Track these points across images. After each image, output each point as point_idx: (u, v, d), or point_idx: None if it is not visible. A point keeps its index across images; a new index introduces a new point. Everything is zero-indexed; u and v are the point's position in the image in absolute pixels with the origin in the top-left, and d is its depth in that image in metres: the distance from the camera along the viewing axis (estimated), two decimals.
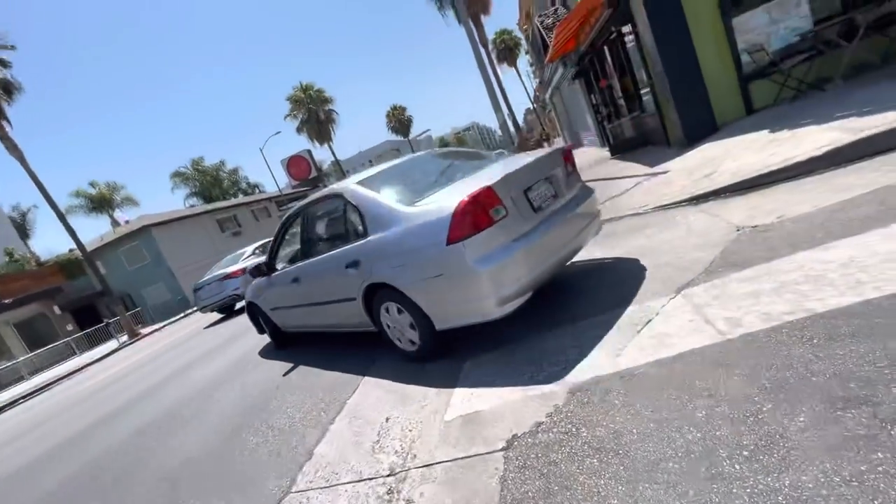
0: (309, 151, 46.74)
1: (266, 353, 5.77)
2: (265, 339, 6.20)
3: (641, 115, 9.16)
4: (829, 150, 3.98)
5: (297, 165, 47.58)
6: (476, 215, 2.74)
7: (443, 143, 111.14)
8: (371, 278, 3.25)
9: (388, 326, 3.46)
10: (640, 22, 7.11)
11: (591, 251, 4.33)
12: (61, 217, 20.37)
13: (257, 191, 55.13)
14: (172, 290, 28.23)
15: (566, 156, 3.65)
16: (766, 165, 4.40)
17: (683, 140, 7.07)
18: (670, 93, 6.93)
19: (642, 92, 8.83)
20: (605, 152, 12.46)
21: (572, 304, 3.30)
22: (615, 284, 3.34)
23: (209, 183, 49.23)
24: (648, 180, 6.25)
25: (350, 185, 3.59)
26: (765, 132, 5.57)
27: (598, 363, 2.41)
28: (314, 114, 44.16)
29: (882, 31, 6.14)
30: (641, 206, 5.23)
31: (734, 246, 3.16)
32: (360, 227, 3.37)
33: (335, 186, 3.78)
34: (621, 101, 10.38)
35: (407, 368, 3.39)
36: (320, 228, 4.16)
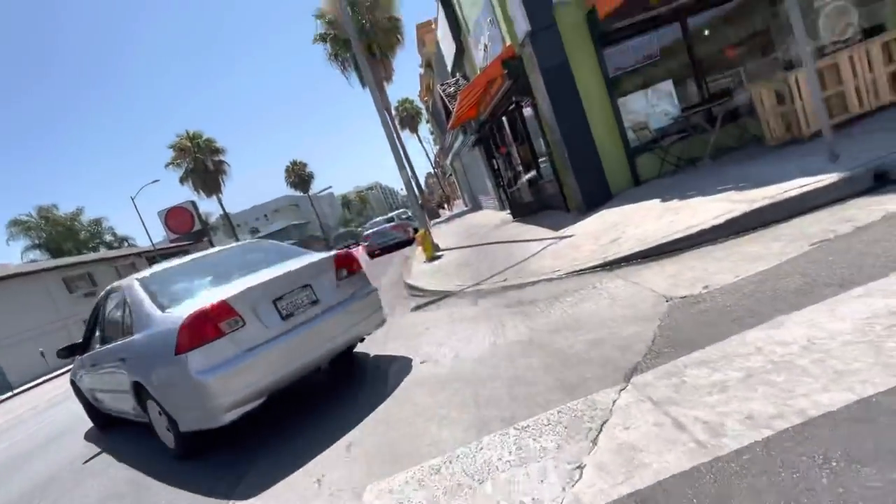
0: (193, 203, 42.30)
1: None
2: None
3: (540, 182, 9.47)
4: (727, 219, 4.07)
5: (178, 218, 42.59)
6: (203, 328, 2.93)
7: (345, 200, 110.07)
8: (132, 376, 3.43)
9: (154, 422, 3.58)
10: (539, 94, 7.40)
11: (512, 322, 3.81)
12: None
13: (126, 244, 47.95)
14: None
15: (339, 261, 3.85)
16: (670, 232, 4.41)
17: (582, 206, 7.24)
18: (569, 161, 7.15)
19: (540, 160, 9.16)
20: (506, 215, 12.75)
21: (499, 398, 2.64)
22: (550, 367, 2.77)
23: (60, 235, 41.57)
24: (555, 243, 6.14)
25: (132, 281, 3.74)
26: (657, 201, 5.82)
27: (546, 497, 1.72)
28: (201, 163, 40.63)
29: (734, 121, 7.07)
30: (554, 270, 4.95)
31: (670, 320, 2.83)
32: (129, 325, 3.53)
33: (123, 281, 3.97)
34: (520, 168, 10.76)
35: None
36: (110, 318, 4.14)
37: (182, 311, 3.04)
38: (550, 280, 4.75)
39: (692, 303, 2.96)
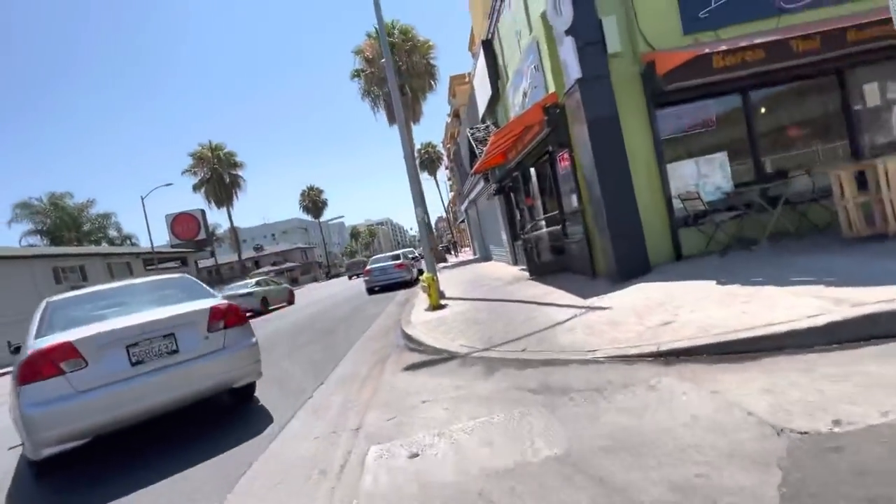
0: (202, 212, 42.16)
1: None
2: None
3: (565, 240, 8.66)
4: (829, 322, 3.15)
5: (185, 224, 42.25)
6: (41, 365, 3.15)
7: (354, 231, 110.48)
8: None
9: None
10: (581, 146, 6.74)
11: (542, 420, 2.82)
12: None
13: (128, 243, 47.35)
14: None
15: (214, 315, 3.88)
16: (744, 326, 3.48)
17: (615, 274, 6.37)
18: (606, 222, 6.36)
19: (568, 216, 8.41)
20: (520, 271, 11.89)
21: None
22: None
23: (64, 224, 41.11)
24: (585, 314, 5.20)
25: (46, 300, 4.13)
26: (711, 283, 4.94)
27: None
28: (218, 175, 40.76)
29: (793, 206, 6.31)
30: (589, 349, 3.99)
31: (797, 472, 1.85)
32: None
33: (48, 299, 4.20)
34: (542, 223, 10.01)
35: None
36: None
37: (44, 343, 3.27)
38: (586, 362, 3.78)
39: (825, 447, 1.99)
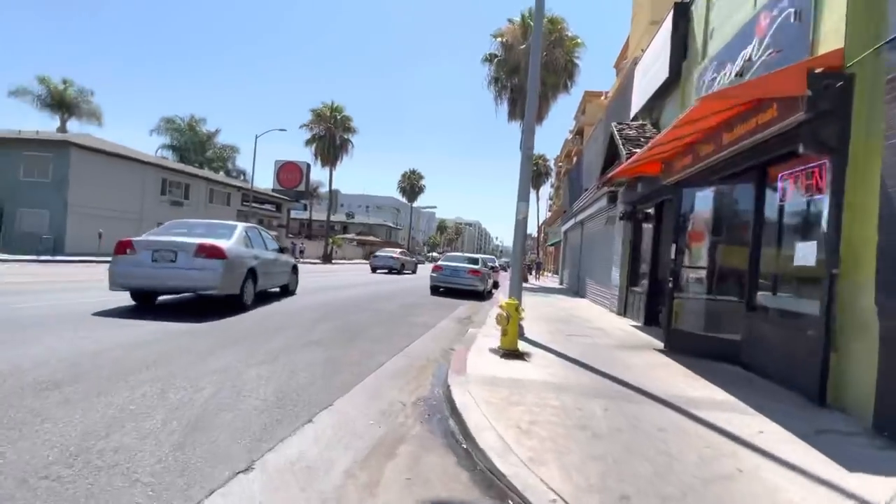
0: (308, 165, 43.00)
1: None
2: None
3: (758, 314, 5.06)
4: None
5: (290, 172, 43.49)
6: (119, 247, 6.82)
7: (442, 224, 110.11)
8: None
9: None
10: (859, 163, 3.22)
11: None
12: None
13: (242, 178, 50.33)
14: (53, 225, 22.05)
15: (199, 248, 6.80)
16: None
17: (879, 421, 2.80)
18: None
19: (782, 274, 4.81)
20: (633, 327, 8.33)
21: None
22: None
23: (193, 145, 44.38)
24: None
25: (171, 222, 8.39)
26: None
27: None
28: (331, 135, 41.05)
29: None
30: None
31: None
32: None
33: None
34: (698, 271, 6.40)
35: None
36: None
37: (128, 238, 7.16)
38: None
39: None
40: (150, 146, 55.07)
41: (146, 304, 7.12)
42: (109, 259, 7.03)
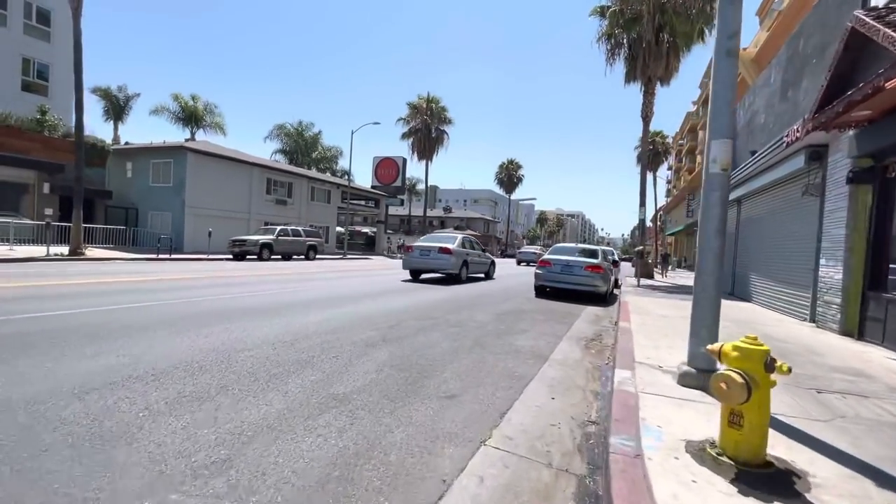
0: (404, 160, 42.29)
1: None
2: None
3: None
4: None
5: (387, 168, 43.27)
6: (407, 247, 14.07)
7: (542, 216, 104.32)
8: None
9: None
10: None
11: None
12: (78, 89, 16.15)
13: (346, 177, 51.98)
14: (175, 225, 23.55)
15: (441, 250, 12.85)
16: None
17: None
18: None
19: None
20: (889, 360, 4.49)
21: None
22: None
23: (300, 148, 46.55)
24: None
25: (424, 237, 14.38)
26: None
27: None
28: (426, 127, 39.74)
29: None
30: None
31: None
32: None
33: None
34: None
35: None
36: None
37: (412, 243, 13.90)
38: None
39: None
40: (265, 151, 59.16)
41: (416, 278, 13.38)
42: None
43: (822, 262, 7.57)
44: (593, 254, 11.51)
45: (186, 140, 31.51)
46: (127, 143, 28.41)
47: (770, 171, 10.03)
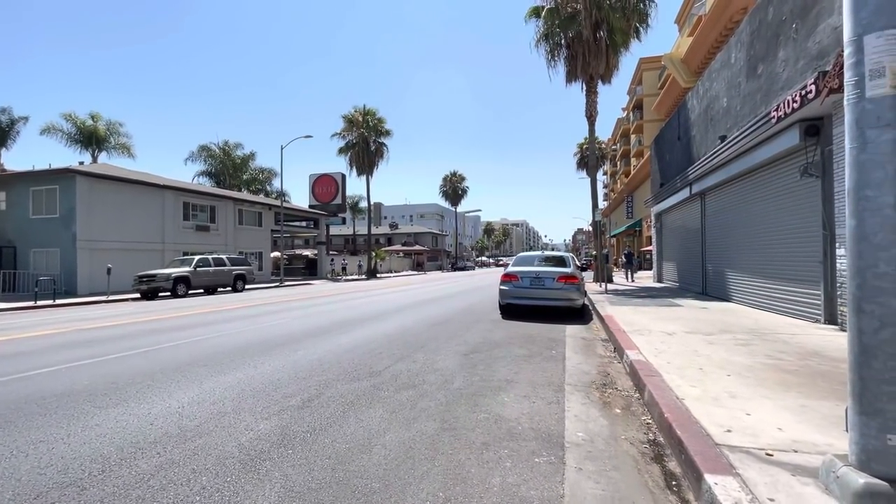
0: (343, 175, 39.59)
1: None
2: None
3: None
4: None
5: (324, 186, 40.27)
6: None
7: (489, 227, 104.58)
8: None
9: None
10: None
11: None
12: None
13: (283, 200, 48.20)
14: (63, 261, 19.45)
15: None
16: None
17: None
18: None
19: None
20: None
21: None
22: None
23: (226, 169, 42.47)
24: None
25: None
26: None
27: None
28: (364, 141, 37.45)
29: None
30: None
31: None
32: None
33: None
34: None
35: None
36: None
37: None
38: None
39: None
40: (187, 174, 54.06)
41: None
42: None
43: (840, 251, 6.32)
44: (562, 262, 9.89)
45: (81, 164, 27.05)
46: (2, 170, 23.69)
47: (747, 156, 8.94)
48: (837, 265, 6.42)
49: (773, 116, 7.25)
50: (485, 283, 23.28)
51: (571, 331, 7.41)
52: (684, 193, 13.65)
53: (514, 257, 11.08)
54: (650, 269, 25.84)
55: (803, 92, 6.40)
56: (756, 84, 8.89)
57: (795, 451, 2.45)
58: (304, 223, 38.27)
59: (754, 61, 8.95)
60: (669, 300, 11.07)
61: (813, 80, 6.18)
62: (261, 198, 37.30)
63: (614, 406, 3.67)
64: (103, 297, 16.46)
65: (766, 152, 8.16)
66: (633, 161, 48.39)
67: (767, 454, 2.42)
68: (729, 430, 2.75)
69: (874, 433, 1.88)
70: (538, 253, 11.19)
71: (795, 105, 6.61)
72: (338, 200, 39.90)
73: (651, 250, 24.16)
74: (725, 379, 3.92)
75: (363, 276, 37.16)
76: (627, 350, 5.16)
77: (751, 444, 2.56)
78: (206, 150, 43.78)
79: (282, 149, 28.42)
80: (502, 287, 9.26)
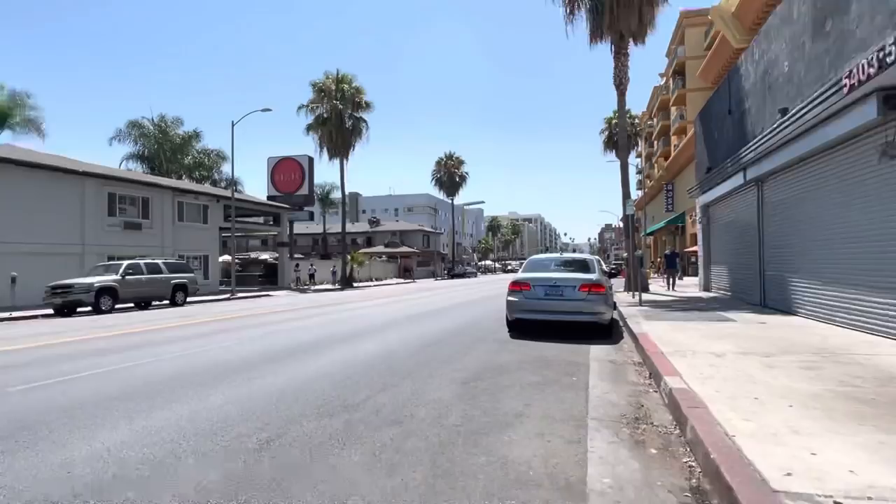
0: (309, 159, 39.60)
1: None
2: None
3: None
4: None
5: (286, 172, 40.21)
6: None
7: (494, 223, 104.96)
8: None
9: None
10: None
11: None
12: None
13: (235, 188, 48.21)
14: None
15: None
16: None
17: None
18: None
19: None
20: None
21: None
22: None
23: (164, 152, 42.38)
24: None
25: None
26: None
27: None
28: (338, 115, 37.38)
29: None
30: None
31: None
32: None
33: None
34: None
35: None
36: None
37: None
38: None
39: None
40: (114, 158, 54.20)
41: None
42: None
43: None
44: (585, 266, 9.95)
45: None
46: None
47: (814, 133, 9.06)
48: None
49: (845, 84, 7.36)
50: (488, 293, 23.37)
51: (596, 352, 7.48)
52: (737, 180, 13.80)
53: (526, 261, 11.16)
54: (695, 274, 26.02)
55: (881, 55, 6.51)
56: (824, 45, 9.02)
57: (870, 499, 2.50)
58: (261, 219, 38.24)
59: (821, 16, 9.09)
60: (719, 313, 11.18)
61: (893, 39, 6.29)
62: (207, 187, 37.35)
63: (649, 445, 3.72)
64: (5, 314, 16.38)
65: (836, 129, 8.27)
66: (674, 140, 48.75)
67: (836, 502, 2.47)
68: (789, 474, 2.80)
69: None
70: (555, 255, 11.29)
71: (872, 71, 6.72)
72: (304, 190, 39.90)
73: (696, 251, 24.32)
74: (786, 410, 3.98)
75: (337, 286, 37.18)
76: (666, 376, 5.22)
77: (816, 489, 2.61)
78: (137, 126, 43.74)
79: (233, 125, 28.43)
80: (510, 298, 9.31)
